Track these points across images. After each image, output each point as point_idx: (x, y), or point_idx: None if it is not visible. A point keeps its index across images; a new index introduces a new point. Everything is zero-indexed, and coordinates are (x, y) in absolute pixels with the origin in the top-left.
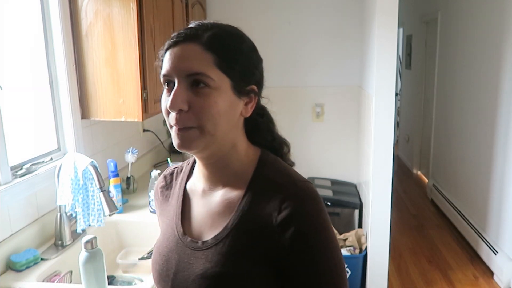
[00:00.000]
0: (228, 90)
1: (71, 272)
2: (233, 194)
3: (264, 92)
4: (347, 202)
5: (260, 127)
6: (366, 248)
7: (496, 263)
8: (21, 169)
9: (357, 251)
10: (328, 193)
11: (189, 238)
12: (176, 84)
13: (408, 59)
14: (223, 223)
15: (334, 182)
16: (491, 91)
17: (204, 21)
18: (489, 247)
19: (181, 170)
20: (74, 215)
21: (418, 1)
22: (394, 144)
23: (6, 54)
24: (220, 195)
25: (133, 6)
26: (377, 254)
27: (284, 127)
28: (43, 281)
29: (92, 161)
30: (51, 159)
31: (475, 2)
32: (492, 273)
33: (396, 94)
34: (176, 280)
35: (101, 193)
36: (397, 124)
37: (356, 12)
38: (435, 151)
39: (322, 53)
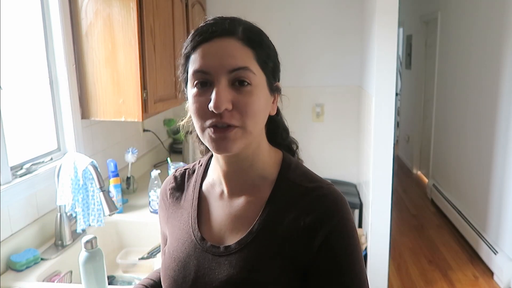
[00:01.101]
0: (265, 87)
1: (71, 272)
2: (257, 196)
3: None
4: None
5: (278, 126)
6: (366, 248)
7: (496, 263)
8: (21, 169)
9: None
10: None
11: (209, 243)
12: (216, 83)
13: (408, 59)
14: (247, 227)
15: (334, 182)
16: (491, 91)
17: (224, 16)
18: (489, 247)
19: (193, 172)
20: (74, 215)
21: (418, 1)
22: (394, 144)
23: (6, 54)
24: (243, 197)
25: (133, 6)
26: (377, 254)
27: None
28: (43, 281)
29: (92, 161)
30: (51, 159)
31: (475, 2)
32: (492, 273)
33: (396, 94)
34: (195, 287)
35: (101, 193)
36: (397, 124)
37: (356, 12)
38: (435, 151)
39: (322, 53)
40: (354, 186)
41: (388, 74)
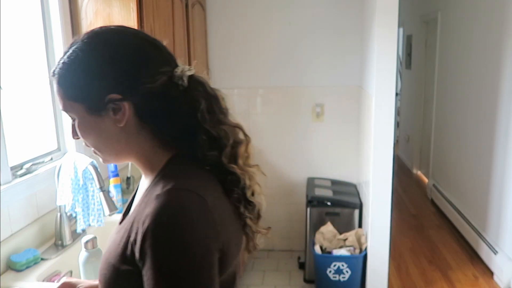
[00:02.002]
0: (85, 115)
1: (71, 272)
2: (145, 187)
3: (264, 92)
4: (347, 202)
5: (171, 122)
6: (366, 248)
7: (496, 263)
8: (21, 169)
9: (357, 251)
10: (328, 193)
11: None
12: None
13: (408, 59)
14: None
15: (334, 182)
16: (491, 91)
17: (73, 42)
18: (489, 247)
19: None
20: (74, 215)
21: (418, 1)
22: (394, 144)
23: (6, 54)
24: (144, 184)
25: (133, 6)
26: (377, 254)
27: (284, 127)
28: (43, 281)
29: (92, 161)
30: (51, 159)
31: (475, 2)
32: (492, 273)
33: (396, 94)
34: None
35: (101, 193)
36: (397, 124)
37: (356, 12)
38: (435, 151)
39: (322, 53)
40: (354, 186)
41: (388, 74)
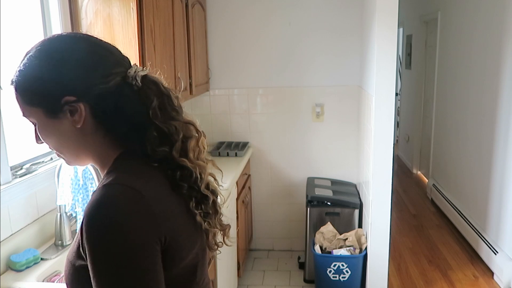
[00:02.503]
0: (43, 118)
1: None
2: None
3: (264, 92)
4: (347, 202)
5: (123, 120)
6: (366, 248)
7: (496, 263)
8: (21, 169)
9: (357, 251)
10: (328, 193)
11: None
12: None
13: (408, 59)
14: None
15: (334, 182)
16: (491, 91)
17: (28, 51)
18: (489, 247)
19: None
20: (74, 215)
21: (418, 1)
22: (394, 144)
23: (7, 54)
24: None
25: (133, 6)
26: (377, 254)
27: (284, 127)
28: (43, 281)
29: None
30: (51, 159)
31: (475, 2)
32: (492, 273)
33: (396, 94)
34: None
35: None
36: (397, 124)
37: (356, 12)
38: (435, 151)
39: (322, 53)
40: (354, 186)
41: (388, 74)
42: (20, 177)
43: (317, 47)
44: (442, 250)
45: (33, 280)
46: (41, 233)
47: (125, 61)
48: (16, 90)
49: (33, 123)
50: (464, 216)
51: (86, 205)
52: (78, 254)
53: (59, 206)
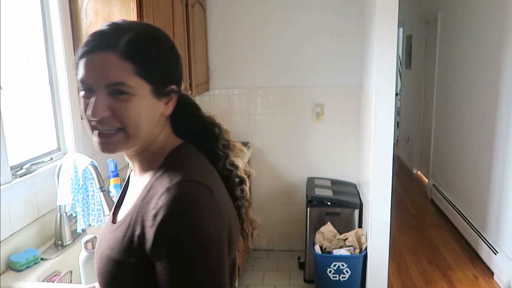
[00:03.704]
0: (148, 95)
1: (71, 272)
2: (145, 182)
3: (264, 92)
4: (347, 202)
5: (185, 117)
6: (366, 248)
7: (496, 263)
8: (21, 169)
9: (357, 251)
10: (328, 193)
11: (113, 224)
12: (96, 93)
13: (408, 59)
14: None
15: (334, 182)
16: (491, 91)
17: (119, 23)
18: (489, 247)
19: None
20: (74, 215)
21: (418, 1)
22: (394, 144)
23: (6, 54)
24: (143, 176)
25: (133, 6)
26: (377, 254)
27: (284, 127)
28: (43, 281)
29: (92, 161)
30: (51, 159)
31: (475, 2)
32: (492, 273)
33: (396, 94)
34: (95, 262)
35: (101, 193)
36: (397, 124)
37: (356, 12)
38: (435, 151)
39: (322, 53)
40: (354, 186)
41: (388, 74)
42: (20, 177)
43: (317, 47)
44: (442, 250)
45: (33, 280)
46: (41, 233)
47: None
48: (130, 57)
49: (123, 92)
50: (464, 216)
51: (164, 202)
52: (129, 253)
53: (59, 206)
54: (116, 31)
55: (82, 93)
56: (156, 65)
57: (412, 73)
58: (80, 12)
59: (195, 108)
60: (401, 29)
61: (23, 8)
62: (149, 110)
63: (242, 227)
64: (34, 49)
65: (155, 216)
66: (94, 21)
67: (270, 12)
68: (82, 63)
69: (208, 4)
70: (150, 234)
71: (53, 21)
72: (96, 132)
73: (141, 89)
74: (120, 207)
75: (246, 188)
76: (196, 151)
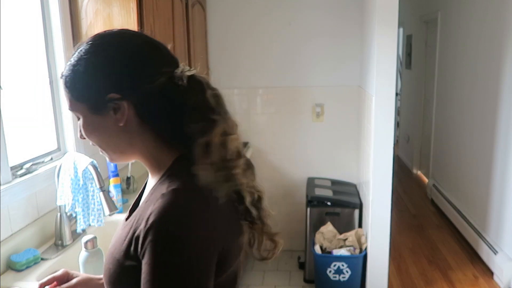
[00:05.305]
0: (88, 114)
1: None
2: (152, 185)
3: (264, 92)
4: (347, 202)
5: (172, 122)
6: (366, 248)
7: (496, 263)
8: (21, 169)
9: (357, 251)
10: (328, 193)
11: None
12: None
13: (408, 59)
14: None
15: (334, 182)
16: (491, 91)
17: (79, 45)
18: (489, 247)
19: None
20: (74, 215)
21: (418, 1)
22: (394, 144)
23: (7, 54)
24: (150, 183)
25: (133, 6)
26: (377, 254)
27: (284, 127)
28: None
29: (92, 161)
30: (51, 159)
31: (475, 2)
32: (492, 273)
33: (396, 94)
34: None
35: (101, 193)
36: (397, 124)
37: (356, 12)
38: (435, 151)
39: (322, 53)
40: (354, 186)
41: (388, 74)
42: (20, 177)
43: (317, 47)
44: (442, 250)
45: (33, 280)
46: (41, 233)
47: (173, 61)
48: (64, 83)
49: (77, 118)
50: (464, 216)
51: (156, 207)
52: (127, 254)
53: (59, 206)
54: (71, 59)
55: None
56: (81, 83)
57: (412, 73)
58: (80, 12)
59: (193, 109)
60: (401, 29)
61: (23, 8)
62: (97, 127)
63: (259, 246)
64: (34, 49)
65: (147, 220)
66: (94, 21)
67: (270, 12)
68: None
69: (208, 4)
70: (141, 236)
71: (53, 21)
72: None
73: (82, 111)
74: (137, 206)
75: (261, 205)
76: None
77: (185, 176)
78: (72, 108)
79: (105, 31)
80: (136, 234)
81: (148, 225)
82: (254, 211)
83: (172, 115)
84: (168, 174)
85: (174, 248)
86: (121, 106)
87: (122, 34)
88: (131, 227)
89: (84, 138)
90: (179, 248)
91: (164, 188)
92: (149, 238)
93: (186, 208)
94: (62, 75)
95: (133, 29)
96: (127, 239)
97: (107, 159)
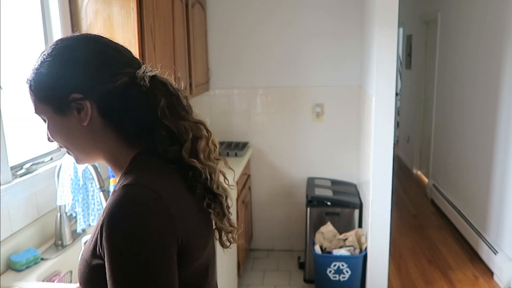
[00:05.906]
0: (53, 115)
1: (71, 272)
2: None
3: (264, 92)
4: (347, 202)
5: (132, 120)
6: (366, 248)
7: (496, 263)
8: (21, 169)
9: (357, 251)
10: (328, 193)
11: None
12: None
13: (408, 59)
14: None
15: (334, 182)
16: (491, 90)
17: (43, 51)
18: (489, 247)
19: None
20: (74, 215)
21: (418, 1)
22: (394, 144)
23: (6, 54)
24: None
25: (133, 6)
26: (377, 254)
27: (284, 127)
28: (43, 281)
29: None
30: (51, 159)
31: (475, 2)
32: (492, 273)
33: (396, 94)
34: None
35: (101, 193)
36: (397, 124)
37: (356, 12)
38: (435, 151)
39: (322, 53)
40: (354, 186)
41: (388, 74)
42: (20, 177)
43: (317, 47)
44: (442, 250)
45: (33, 280)
46: (41, 233)
47: (135, 62)
48: (29, 87)
49: (44, 120)
50: (464, 216)
51: (107, 204)
52: (94, 253)
53: (59, 206)
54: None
55: None
56: (45, 84)
57: (412, 73)
58: (80, 12)
59: (153, 105)
60: (401, 29)
61: (23, 8)
62: (62, 128)
63: (220, 237)
64: (34, 49)
65: (102, 218)
66: (94, 21)
67: (270, 12)
68: None
69: (208, 4)
70: (99, 235)
71: (53, 21)
72: None
73: (47, 112)
74: None
75: (225, 201)
76: (158, 158)
77: (138, 172)
78: (38, 110)
79: (67, 36)
80: (97, 234)
81: (101, 223)
82: (209, 193)
83: (132, 112)
84: (124, 173)
85: (125, 241)
86: (84, 106)
87: (84, 37)
88: (96, 227)
89: (52, 141)
90: (130, 241)
91: (117, 186)
92: (103, 235)
93: (134, 201)
94: (27, 80)
95: (136, 30)
96: (93, 239)
97: (74, 160)
